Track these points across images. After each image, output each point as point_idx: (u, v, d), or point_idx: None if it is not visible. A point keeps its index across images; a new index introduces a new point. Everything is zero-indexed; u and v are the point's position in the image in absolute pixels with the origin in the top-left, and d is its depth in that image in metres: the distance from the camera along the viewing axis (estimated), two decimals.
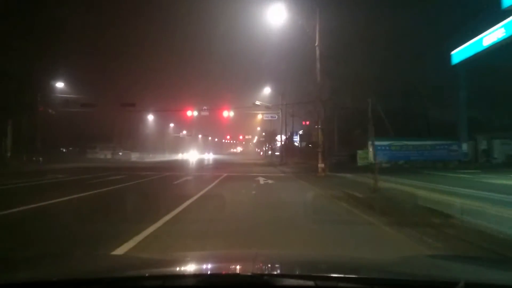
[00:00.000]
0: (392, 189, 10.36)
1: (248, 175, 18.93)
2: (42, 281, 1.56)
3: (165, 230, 5.41)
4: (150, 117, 63.51)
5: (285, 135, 41.16)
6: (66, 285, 1.53)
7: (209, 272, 1.87)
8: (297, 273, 1.82)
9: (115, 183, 13.10)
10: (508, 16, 15.38)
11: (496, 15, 21.00)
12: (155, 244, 4.63)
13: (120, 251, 4.18)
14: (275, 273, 1.84)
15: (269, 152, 59.51)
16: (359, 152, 26.72)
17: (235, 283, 1.52)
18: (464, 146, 25.32)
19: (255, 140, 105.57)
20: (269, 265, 2.04)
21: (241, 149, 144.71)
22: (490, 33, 21.47)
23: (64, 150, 57.08)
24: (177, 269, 2.02)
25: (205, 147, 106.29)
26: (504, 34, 17.12)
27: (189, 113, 38.41)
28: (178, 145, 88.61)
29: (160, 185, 13.29)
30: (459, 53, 25.27)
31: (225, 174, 18.84)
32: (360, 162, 26.01)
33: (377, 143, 25.90)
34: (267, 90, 40.48)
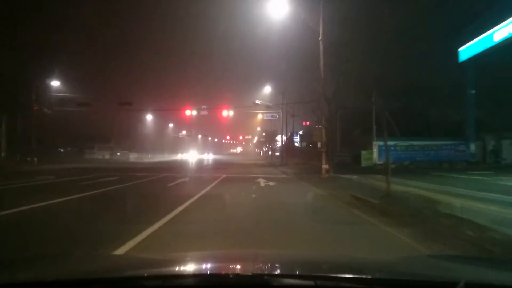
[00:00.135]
0: (405, 193, 9.45)
1: (248, 176, 18.05)
2: (42, 281, 1.54)
3: (145, 246, 4.54)
4: (149, 117, 62.77)
5: (286, 135, 40.28)
6: (66, 285, 1.52)
7: (209, 272, 1.86)
8: (297, 273, 1.80)
9: (106, 185, 12.22)
10: None
11: (508, 9, 20.26)
12: None
13: None
14: (275, 273, 1.82)
15: (269, 153, 58.66)
16: (363, 152, 25.88)
17: (235, 283, 1.50)
18: (472, 147, 24.43)
19: (255, 141, 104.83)
20: (269, 265, 2.03)
21: (241, 149, 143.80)
22: (501, 28, 20.69)
23: (61, 151, 56.42)
24: (177, 269, 2.02)
25: (204, 148, 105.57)
26: None
27: (187, 112, 37.54)
28: (177, 145, 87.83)
29: (152, 188, 12.37)
30: (467, 50, 24.45)
31: (224, 175, 17.96)
32: (364, 163, 25.18)
33: (381, 143, 25.15)
34: (267, 89, 39.58)
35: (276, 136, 55.54)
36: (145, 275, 1.73)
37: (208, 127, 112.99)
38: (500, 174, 16.71)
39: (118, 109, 38.67)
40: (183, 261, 2.24)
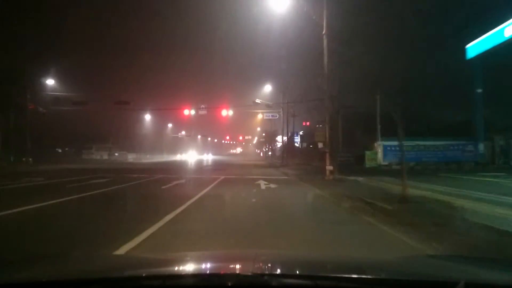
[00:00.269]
0: (421, 197, 8.57)
1: (248, 177, 17.15)
2: (42, 281, 1.53)
3: None
4: (148, 117, 61.89)
5: (286, 135, 39.41)
6: (66, 285, 1.51)
7: (208, 272, 1.85)
8: (297, 273, 1.79)
9: (94, 188, 11.30)
10: None
11: None
12: None
13: None
14: (275, 273, 1.79)
15: (269, 153, 57.76)
16: (367, 153, 24.99)
17: (235, 283, 1.47)
18: (481, 147, 23.52)
19: (255, 141, 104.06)
20: (269, 265, 2.02)
21: (241, 150, 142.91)
22: None
23: (60, 151, 55.62)
24: (177, 269, 2.00)
25: (204, 148, 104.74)
26: None
27: (186, 112, 36.64)
28: (176, 145, 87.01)
29: (144, 191, 11.40)
30: (476, 46, 23.55)
31: (223, 177, 17.07)
32: (368, 164, 24.28)
33: (386, 143, 24.30)
34: (267, 88, 38.66)
35: (276, 136, 54.79)
36: (145, 275, 1.71)
37: (207, 128, 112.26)
38: None
39: (116, 108, 37.82)
40: (183, 261, 2.24)
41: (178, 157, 70.58)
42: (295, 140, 57.80)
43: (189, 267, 2.02)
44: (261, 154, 75.91)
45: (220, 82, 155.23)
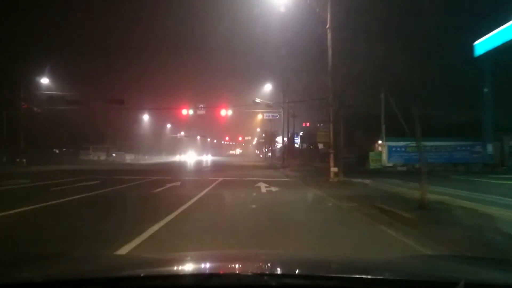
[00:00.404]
0: (441, 203, 7.66)
1: (247, 179, 16.22)
2: (42, 281, 1.52)
3: None
4: (147, 118, 60.98)
5: (287, 135, 38.52)
6: (66, 285, 1.50)
7: (208, 272, 1.83)
8: (297, 273, 1.78)
9: (80, 192, 10.35)
10: None
11: None
12: None
13: None
14: (275, 272, 1.77)
15: (269, 154, 56.84)
16: (371, 153, 24.07)
17: (235, 283, 1.48)
18: (489, 148, 22.60)
19: (254, 142, 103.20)
20: (269, 265, 1.99)
21: (241, 150, 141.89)
22: None
23: (57, 152, 54.71)
24: (177, 268, 1.98)
25: (203, 149, 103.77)
26: None
27: (184, 111, 35.71)
28: (175, 146, 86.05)
29: (133, 195, 10.38)
30: (484, 43, 22.65)
31: (221, 179, 16.14)
32: (372, 165, 23.34)
33: (391, 143, 23.37)
34: (267, 87, 37.70)
35: (276, 137, 53.94)
36: (146, 275, 1.68)
37: (207, 128, 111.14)
38: None
39: (113, 108, 36.88)
40: (183, 261, 2.21)
41: (177, 158, 69.63)
42: (295, 141, 56.92)
43: (189, 267, 2.01)
44: (261, 155, 74.98)
45: (219, 81, 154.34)
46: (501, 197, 9.17)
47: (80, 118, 42.85)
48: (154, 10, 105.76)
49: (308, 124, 54.62)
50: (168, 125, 79.49)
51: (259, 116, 47.37)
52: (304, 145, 57.56)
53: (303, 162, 35.25)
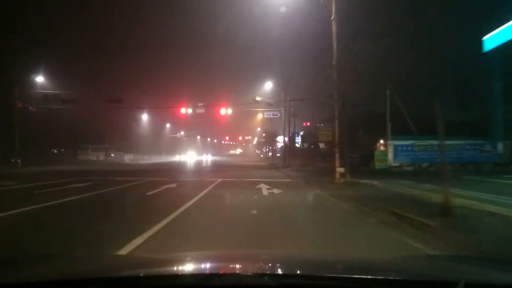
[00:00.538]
0: (464, 208, 6.82)
1: (247, 180, 15.40)
2: (42, 281, 1.51)
3: None
4: (146, 117, 60.17)
5: (288, 134, 37.69)
6: (66, 285, 1.49)
7: (208, 272, 1.82)
8: (298, 272, 1.78)
9: (63, 196, 9.48)
10: None
11: None
12: None
13: None
14: (275, 272, 1.77)
15: (269, 154, 56.01)
16: (377, 153, 23.23)
17: (236, 282, 1.46)
18: (499, 146, 21.73)
19: (255, 141, 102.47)
20: (269, 265, 1.98)
21: (241, 150, 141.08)
22: None
23: (55, 152, 53.98)
24: (177, 268, 1.97)
25: (203, 149, 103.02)
26: None
27: (183, 110, 34.86)
28: (175, 146, 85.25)
29: (123, 199, 9.48)
30: (494, 38, 21.83)
31: (219, 180, 15.32)
32: (377, 165, 22.48)
33: (397, 142, 22.50)
34: (268, 86, 36.79)
35: (277, 136, 53.13)
36: (146, 274, 1.67)
37: (207, 128, 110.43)
38: None
39: (112, 107, 36.13)
40: (183, 261, 2.21)
41: (177, 158, 68.83)
42: (296, 140, 56.14)
43: (189, 267, 1.99)
44: (261, 155, 74.16)
45: (219, 80, 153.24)
46: None
47: (79, 118, 42.17)
48: (154, 9, 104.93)
49: (308, 123, 53.96)
50: (168, 125, 78.72)
51: (260, 116, 46.59)
52: (305, 145, 56.84)
53: (304, 162, 34.49)
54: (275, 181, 14.68)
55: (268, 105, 34.42)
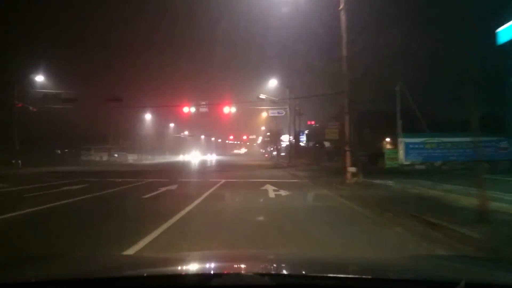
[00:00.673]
0: (499, 212, 5.97)
1: (252, 181, 14.58)
2: (42, 281, 1.50)
3: None
4: (150, 117, 59.50)
5: (293, 133, 36.80)
6: (66, 285, 1.48)
7: (211, 272, 1.79)
8: (299, 273, 1.76)
9: (54, 199, 8.71)
10: None
11: None
12: None
13: None
14: (278, 272, 1.75)
15: (274, 153, 55.18)
16: (387, 151, 22.34)
17: (237, 282, 1.45)
18: None
19: (259, 141, 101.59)
20: (271, 265, 1.97)
21: (245, 150, 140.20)
22: None
23: (59, 152, 53.58)
24: (180, 268, 1.95)
25: (207, 148, 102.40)
26: None
27: (185, 109, 34.02)
28: (179, 146, 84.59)
29: (117, 203, 8.66)
30: (508, 30, 20.81)
31: (223, 181, 14.52)
32: (388, 164, 21.56)
33: (408, 140, 21.55)
34: (272, 83, 35.85)
35: (281, 135, 52.30)
36: (148, 274, 1.67)
37: (211, 127, 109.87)
38: None
39: (112, 106, 35.41)
40: (185, 261, 2.19)
41: (181, 157, 68.16)
42: (301, 139, 55.27)
43: (191, 267, 1.97)
44: (266, 154, 73.32)
45: (222, 79, 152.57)
46: None
47: (82, 118, 41.71)
48: (156, 6, 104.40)
49: (313, 122, 53.04)
50: (171, 125, 78.05)
51: (264, 114, 45.78)
52: (310, 144, 55.98)
53: (310, 161, 33.68)
54: (281, 182, 13.85)
55: (273, 103, 33.58)
